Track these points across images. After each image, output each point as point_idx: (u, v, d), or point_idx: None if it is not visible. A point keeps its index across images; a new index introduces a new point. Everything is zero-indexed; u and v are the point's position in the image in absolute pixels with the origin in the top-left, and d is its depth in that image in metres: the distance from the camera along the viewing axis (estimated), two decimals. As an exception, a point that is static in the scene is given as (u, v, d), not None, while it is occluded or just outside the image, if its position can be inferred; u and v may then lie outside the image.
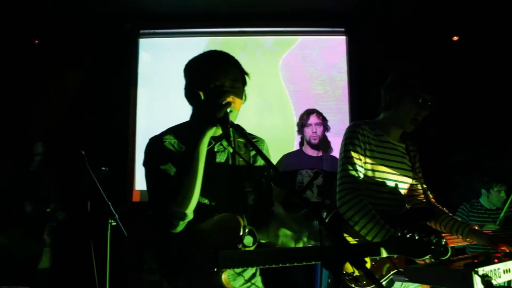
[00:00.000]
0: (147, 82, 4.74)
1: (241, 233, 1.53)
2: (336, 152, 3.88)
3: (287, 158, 3.58)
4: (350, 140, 2.08)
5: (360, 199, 1.98)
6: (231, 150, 1.69)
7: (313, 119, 3.58)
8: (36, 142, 3.49)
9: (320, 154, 3.65)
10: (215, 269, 1.51)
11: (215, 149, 1.66)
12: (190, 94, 1.68)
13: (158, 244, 1.63)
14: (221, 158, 1.67)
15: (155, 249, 1.63)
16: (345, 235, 2.04)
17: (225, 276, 1.53)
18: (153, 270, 1.61)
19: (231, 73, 1.62)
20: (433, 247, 1.21)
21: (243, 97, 1.68)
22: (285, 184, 1.35)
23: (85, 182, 3.09)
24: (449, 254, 1.27)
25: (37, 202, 3.24)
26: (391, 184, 2.13)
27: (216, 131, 1.58)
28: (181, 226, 1.52)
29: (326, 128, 3.66)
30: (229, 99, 1.56)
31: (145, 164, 1.66)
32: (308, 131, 3.59)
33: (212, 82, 1.59)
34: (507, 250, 1.91)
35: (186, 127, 1.72)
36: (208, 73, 1.60)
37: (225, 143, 1.67)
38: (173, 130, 1.70)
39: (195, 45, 4.70)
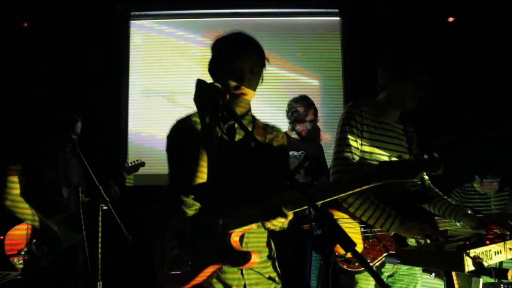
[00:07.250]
0: (139, 64, 4.68)
1: None
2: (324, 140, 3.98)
3: None
4: (347, 121, 2.05)
5: None
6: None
7: (310, 117, 3.60)
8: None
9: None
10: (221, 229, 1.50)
11: (235, 126, 1.67)
12: (213, 73, 1.70)
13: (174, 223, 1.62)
14: (240, 136, 1.68)
15: (173, 227, 1.62)
16: (341, 215, 2.03)
17: (234, 239, 1.52)
18: (174, 247, 1.60)
19: (250, 58, 1.63)
20: (425, 163, 1.17)
21: (261, 79, 1.70)
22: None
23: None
24: (441, 169, 1.24)
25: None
26: (388, 167, 2.11)
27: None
28: (193, 211, 1.53)
29: (317, 121, 3.72)
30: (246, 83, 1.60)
31: (169, 146, 1.64)
32: (301, 125, 3.62)
33: (232, 65, 1.61)
34: (499, 232, 1.92)
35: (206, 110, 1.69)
36: (229, 57, 1.62)
37: (245, 121, 1.68)
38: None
39: (188, 26, 4.66)
